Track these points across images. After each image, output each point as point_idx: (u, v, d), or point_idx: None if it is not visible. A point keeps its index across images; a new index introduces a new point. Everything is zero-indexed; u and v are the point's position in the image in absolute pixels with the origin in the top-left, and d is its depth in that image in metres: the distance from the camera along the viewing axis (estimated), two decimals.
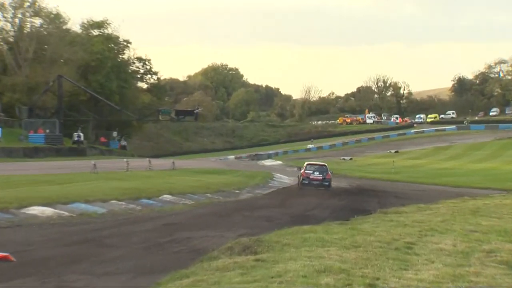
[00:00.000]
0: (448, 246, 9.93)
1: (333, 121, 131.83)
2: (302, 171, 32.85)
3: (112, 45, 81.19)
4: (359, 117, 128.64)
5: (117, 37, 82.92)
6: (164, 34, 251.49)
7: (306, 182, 31.81)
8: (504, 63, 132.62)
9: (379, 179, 43.35)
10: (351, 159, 74.52)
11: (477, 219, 14.58)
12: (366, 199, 25.91)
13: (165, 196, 21.69)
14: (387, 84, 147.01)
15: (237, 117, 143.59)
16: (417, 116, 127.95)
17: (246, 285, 6.65)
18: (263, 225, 14.94)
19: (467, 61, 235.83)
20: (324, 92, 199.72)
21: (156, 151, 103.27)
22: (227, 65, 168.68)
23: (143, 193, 21.24)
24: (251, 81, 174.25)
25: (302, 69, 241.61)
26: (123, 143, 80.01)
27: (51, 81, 63.11)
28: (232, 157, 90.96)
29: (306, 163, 34.35)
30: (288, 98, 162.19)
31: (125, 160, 37.02)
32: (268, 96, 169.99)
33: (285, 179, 40.01)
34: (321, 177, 31.91)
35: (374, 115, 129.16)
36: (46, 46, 69.24)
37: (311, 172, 32.19)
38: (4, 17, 67.93)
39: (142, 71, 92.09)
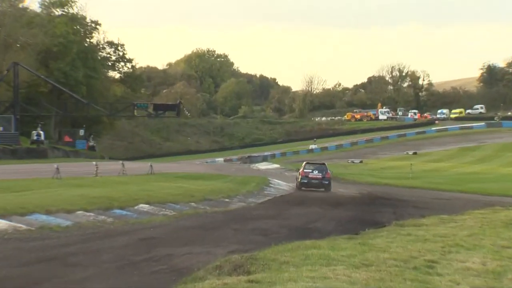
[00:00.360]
0: (476, 265, 9.96)
1: (339, 117, 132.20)
2: (301, 170, 37.02)
3: (78, 27, 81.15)
4: (371, 113, 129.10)
5: (84, 18, 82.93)
6: (140, 14, 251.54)
7: (305, 181, 36.25)
8: None
9: (394, 186, 43.46)
10: (361, 162, 74.76)
11: (510, 233, 14.64)
12: (379, 209, 25.96)
13: (141, 205, 21.64)
14: (404, 74, 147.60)
15: (226, 113, 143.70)
16: (439, 111, 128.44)
17: None
18: (257, 240, 14.94)
19: (499, 46, 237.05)
20: (329, 83, 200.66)
21: (130, 153, 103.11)
22: (214, 51, 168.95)
23: (116, 202, 21.19)
24: (243, 70, 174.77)
25: (303, 56, 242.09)
26: (92, 143, 79.88)
27: (5, 70, 62.90)
28: (220, 159, 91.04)
29: (305, 162, 38.50)
30: (286, 90, 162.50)
31: (94, 163, 36.94)
32: (263, 88, 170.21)
33: (283, 186, 40.05)
34: (320, 176, 36.09)
35: (388, 110, 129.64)
36: None
37: (310, 171, 36.41)
38: None
39: (113, 58, 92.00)
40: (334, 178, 50.56)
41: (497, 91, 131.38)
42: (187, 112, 72.90)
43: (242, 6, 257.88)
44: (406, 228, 16.08)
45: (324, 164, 38.07)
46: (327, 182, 35.85)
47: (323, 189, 35.40)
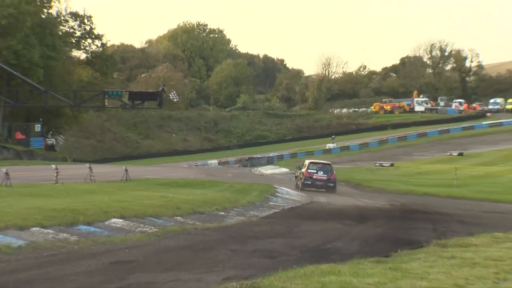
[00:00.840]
0: None
1: (364, 109, 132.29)
2: (304, 169, 42.30)
3: None
4: (404, 103, 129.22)
5: None
6: None
7: (309, 182, 41.60)
8: None
9: (435, 195, 43.46)
10: (391, 165, 74.80)
11: None
12: (414, 224, 25.95)
13: (114, 220, 21.65)
14: (446, 54, 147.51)
15: (221, 103, 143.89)
16: (492, 100, 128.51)
17: None
18: (260, 264, 14.92)
19: None
20: (351, 65, 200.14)
21: (100, 153, 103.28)
22: (206, 25, 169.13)
23: (81, 216, 21.19)
24: (243, 49, 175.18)
25: (319, 32, 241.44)
26: (51, 141, 79.99)
27: None
28: (214, 161, 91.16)
29: (308, 161, 44.23)
30: (297, 74, 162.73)
31: (53, 166, 36.93)
32: (268, 72, 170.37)
33: (294, 195, 40.05)
34: (325, 178, 41.48)
35: (426, 99, 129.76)
36: None
37: (315, 171, 41.71)
38: None
39: (78, 33, 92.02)
40: (357, 185, 50.32)
41: None
42: (173, 98, 72.95)
43: None
44: (450, 249, 16.07)
45: (329, 164, 43.75)
46: (332, 185, 41.52)
47: (329, 191, 41.26)
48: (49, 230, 18.52)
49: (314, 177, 41.63)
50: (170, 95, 68.99)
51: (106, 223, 21.07)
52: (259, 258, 16.10)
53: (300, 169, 43.24)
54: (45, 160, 64.89)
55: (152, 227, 21.58)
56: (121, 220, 21.75)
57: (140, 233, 20.30)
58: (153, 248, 17.43)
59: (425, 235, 21.55)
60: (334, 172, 42.07)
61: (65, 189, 30.74)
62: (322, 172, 41.85)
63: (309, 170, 41.97)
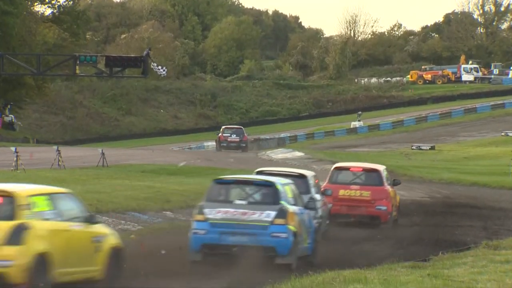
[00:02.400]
0: None
1: (399, 78, 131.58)
2: (220, 134, 65.91)
3: None
4: (448, 71, 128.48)
5: None
6: None
7: (225, 144, 62.89)
8: None
9: (486, 186, 43.31)
10: (432, 148, 74.55)
11: None
12: (460, 222, 25.97)
13: None
14: (502, 9, 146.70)
15: (221, 71, 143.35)
16: None
17: None
18: (270, 269, 14.99)
19: None
20: (382, 24, 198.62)
21: (71, 133, 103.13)
22: None
23: None
24: (247, 3, 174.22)
25: None
26: (9, 117, 80.00)
27: None
28: (212, 143, 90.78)
29: (223, 127, 71.13)
30: (315, 35, 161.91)
31: (12, 149, 36.95)
32: (278, 32, 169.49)
33: None
34: (238, 139, 63.05)
35: (476, 66, 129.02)
36: None
37: (229, 135, 62.22)
38: None
39: None
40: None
41: None
42: (159, 71, 73.08)
43: None
44: (503, 252, 16.07)
45: (241, 128, 68.10)
46: (244, 145, 65.18)
47: (241, 150, 61.62)
48: None
49: (229, 139, 63.52)
50: (154, 66, 68.67)
51: None
52: (265, 261, 16.13)
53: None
54: (2, 141, 64.88)
55: (136, 224, 21.65)
56: (97, 216, 21.84)
57: (121, 231, 20.36)
58: (136, 250, 17.48)
59: (473, 235, 21.61)
60: (246, 134, 64.17)
61: (28, 178, 30.74)
62: (235, 135, 64.09)
63: (224, 134, 64.53)
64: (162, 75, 53.39)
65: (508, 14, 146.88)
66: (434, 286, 11.34)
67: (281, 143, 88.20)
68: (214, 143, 69.96)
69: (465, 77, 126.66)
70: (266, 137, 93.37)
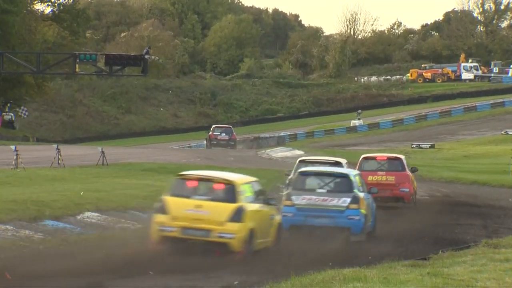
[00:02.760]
0: None
1: (399, 77, 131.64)
2: (210, 133, 72.68)
3: None
4: (448, 69, 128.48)
5: None
6: None
7: (215, 142, 67.72)
8: None
9: (486, 184, 43.32)
10: (432, 146, 74.56)
11: None
12: (460, 220, 26.00)
13: (88, 214, 21.74)
14: (502, 7, 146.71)
15: (220, 69, 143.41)
16: None
17: None
18: (268, 267, 14.99)
19: None
20: (382, 22, 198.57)
21: (70, 132, 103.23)
22: None
23: (48, 209, 21.27)
24: (247, 2, 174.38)
25: None
26: (9, 116, 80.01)
27: None
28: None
29: (213, 126, 75.23)
30: (315, 34, 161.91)
31: (12, 148, 36.96)
32: (278, 31, 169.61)
33: None
34: (227, 138, 66.94)
35: (476, 64, 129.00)
36: None
37: (219, 133, 68.12)
38: None
39: None
40: None
41: None
42: (156, 58, 74.22)
43: None
44: (503, 251, 16.09)
45: (230, 127, 75.06)
46: (233, 143, 70.22)
47: (230, 147, 68.52)
48: (7, 226, 18.60)
49: (219, 138, 68.81)
50: (146, 52, 68.80)
51: (78, 217, 21.14)
52: (266, 259, 16.14)
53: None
54: (2, 139, 64.92)
55: (135, 223, 21.64)
56: (97, 214, 21.82)
57: (121, 230, 20.39)
58: (136, 248, 17.49)
59: (473, 233, 21.63)
60: (234, 133, 71.23)
61: (28, 176, 30.79)
62: (224, 134, 69.80)
63: (214, 133, 70.01)
64: (156, 59, 53.34)
65: (508, 13, 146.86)
66: (434, 284, 11.34)
67: (280, 141, 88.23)
68: (205, 141, 74.42)
69: (465, 75, 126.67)
70: (265, 135, 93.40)
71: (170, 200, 17.78)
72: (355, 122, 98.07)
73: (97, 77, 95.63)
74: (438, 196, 35.97)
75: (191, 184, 18.19)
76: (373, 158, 32.22)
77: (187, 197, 17.69)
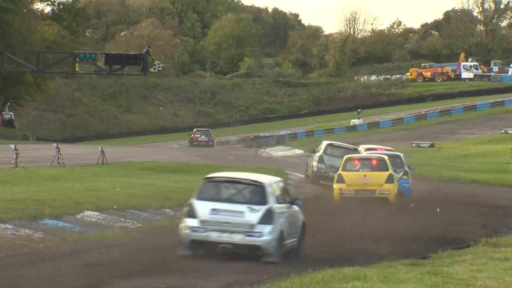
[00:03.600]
0: None
1: (399, 76, 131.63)
2: (192, 135, 79.15)
3: None
4: (448, 68, 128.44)
5: None
6: None
7: (196, 143, 78.07)
8: None
9: (485, 183, 43.29)
10: (432, 146, 74.56)
11: None
12: (460, 219, 25.95)
13: (87, 213, 21.72)
14: (502, 6, 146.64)
15: (220, 68, 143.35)
16: None
17: None
18: (268, 267, 14.98)
19: None
20: (382, 22, 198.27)
21: (70, 131, 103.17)
22: None
23: (47, 208, 21.25)
24: (247, 1, 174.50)
25: None
26: (8, 115, 79.95)
27: None
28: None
29: (195, 129, 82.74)
30: (314, 33, 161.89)
31: (12, 146, 36.94)
32: (278, 30, 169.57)
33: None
34: (206, 139, 76.95)
35: (476, 64, 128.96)
36: None
37: (199, 135, 78.51)
38: None
39: None
40: None
41: None
42: (156, 68, 73.27)
43: None
44: (503, 250, 16.06)
45: (209, 130, 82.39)
46: (211, 144, 77.48)
47: (209, 148, 74.93)
48: (7, 225, 18.58)
49: (199, 139, 77.37)
50: (146, 51, 68.53)
51: (78, 216, 21.12)
52: (265, 259, 16.12)
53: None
54: (2, 138, 64.92)
55: (135, 222, 21.63)
56: (97, 213, 21.80)
57: (120, 229, 20.37)
58: (135, 247, 17.50)
59: (473, 232, 21.59)
60: (212, 135, 79.73)
61: (27, 175, 30.77)
62: (204, 136, 78.43)
63: (195, 135, 78.24)
64: (156, 69, 53.26)
65: (508, 12, 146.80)
66: (434, 283, 11.32)
67: (280, 140, 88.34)
68: (188, 142, 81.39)
69: (465, 74, 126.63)
70: (265, 134, 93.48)
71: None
72: (355, 121, 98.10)
73: (97, 76, 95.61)
74: (437, 195, 35.91)
75: None
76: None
77: None
